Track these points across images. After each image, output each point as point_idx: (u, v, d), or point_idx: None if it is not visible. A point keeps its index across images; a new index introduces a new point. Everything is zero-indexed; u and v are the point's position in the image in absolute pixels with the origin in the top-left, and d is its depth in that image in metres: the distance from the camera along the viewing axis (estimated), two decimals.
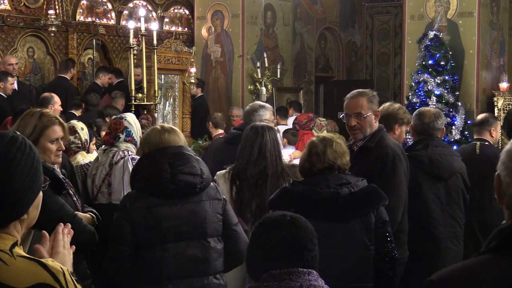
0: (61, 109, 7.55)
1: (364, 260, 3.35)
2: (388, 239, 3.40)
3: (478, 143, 5.46)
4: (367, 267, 3.36)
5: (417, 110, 4.81)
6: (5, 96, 8.41)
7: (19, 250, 1.72)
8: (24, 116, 3.51)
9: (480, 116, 5.77)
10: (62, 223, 2.05)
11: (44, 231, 1.97)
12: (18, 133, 1.82)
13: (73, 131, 4.88)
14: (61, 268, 1.73)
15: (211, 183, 3.45)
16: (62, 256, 1.95)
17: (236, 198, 4.04)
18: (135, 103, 8.60)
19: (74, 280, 1.74)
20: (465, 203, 4.62)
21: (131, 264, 3.27)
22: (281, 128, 9.33)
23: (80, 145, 4.93)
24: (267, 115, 5.08)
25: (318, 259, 2.32)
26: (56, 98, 7.44)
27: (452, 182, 4.56)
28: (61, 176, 3.51)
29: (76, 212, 3.48)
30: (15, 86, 8.74)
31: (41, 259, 1.73)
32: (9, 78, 8.51)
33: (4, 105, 8.13)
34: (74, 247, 2.06)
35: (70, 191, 3.57)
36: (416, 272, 3.98)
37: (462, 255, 4.56)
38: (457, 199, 4.58)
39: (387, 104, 4.74)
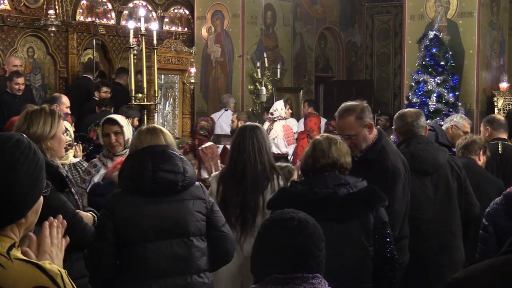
0: (68, 111, 7.56)
1: (363, 261, 3.34)
2: (388, 240, 3.39)
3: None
4: (365, 267, 3.35)
5: (397, 113, 4.82)
6: (13, 94, 8.49)
7: (16, 253, 1.71)
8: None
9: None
10: (51, 217, 1.98)
11: (31, 233, 1.93)
12: (25, 136, 1.81)
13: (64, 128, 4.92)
14: (59, 270, 1.72)
15: (196, 183, 3.48)
16: (48, 256, 1.89)
17: (221, 196, 4.13)
18: (135, 103, 8.59)
19: (72, 282, 1.73)
20: (460, 197, 4.60)
21: (112, 261, 3.33)
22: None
23: (70, 142, 4.97)
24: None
25: (324, 262, 2.28)
26: (64, 99, 7.45)
27: (438, 176, 4.54)
28: (64, 173, 3.53)
29: (78, 211, 3.50)
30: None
31: (38, 262, 1.72)
32: (14, 78, 8.60)
33: (14, 103, 8.19)
34: (68, 238, 2.00)
35: (72, 189, 3.58)
36: (411, 270, 3.97)
37: (462, 251, 4.53)
38: (447, 194, 4.54)
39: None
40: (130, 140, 4.54)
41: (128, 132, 4.61)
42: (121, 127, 4.57)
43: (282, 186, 3.93)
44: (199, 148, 7.25)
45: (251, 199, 4.03)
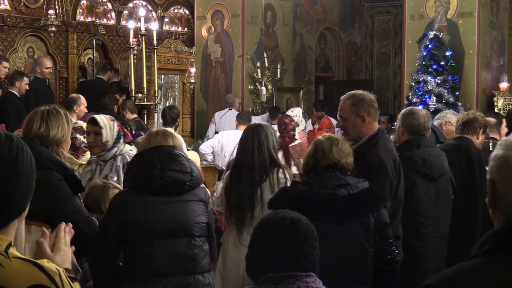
0: (86, 110, 7.63)
1: (362, 263, 3.32)
2: (388, 241, 3.37)
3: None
4: (365, 269, 3.33)
5: (408, 109, 4.74)
6: (19, 95, 8.49)
7: (14, 251, 1.71)
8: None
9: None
10: (64, 222, 2.04)
11: (44, 228, 1.96)
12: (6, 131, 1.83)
13: (82, 131, 4.90)
14: (57, 269, 1.72)
15: (201, 185, 3.56)
16: (63, 253, 1.94)
17: (225, 191, 4.26)
18: (135, 103, 8.61)
19: (70, 281, 1.74)
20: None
21: (112, 261, 3.37)
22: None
23: (87, 144, 4.97)
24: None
25: (318, 262, 2.30)
26: (84, 100, 7.52)
27: (441, 182, 4.57)
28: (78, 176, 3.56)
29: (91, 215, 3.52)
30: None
31: (36, 260, 1.72)
32: (25, 78, 8.64)
33: (19, 104, 8.21)
34: (73, 247, 2.06)
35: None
36: (402, 271, 3.99)
37: (446, 256, 4.58)
38: (445, 200, 4.60)
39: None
40: (109, 142, 4.51)
41: (109, 134, 4.55)
42: (100, 128, 4.54)
43: (283, 186, 3.96)
44: (289, 145, 7.70)
45: (247, 193, 4.11)
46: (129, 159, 4.92)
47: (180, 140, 3.71)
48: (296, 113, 9.12)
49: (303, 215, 2.38)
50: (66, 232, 2.03)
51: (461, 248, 4.56)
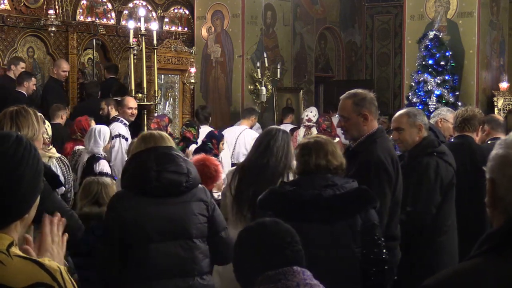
0: (132, 112, 7.81)
1: (350, 263, 3.31)
2: (376, 242, 3.34)
3: None
4: (352, 269, 3.32)
5: (414, 109, 4.74)
6: (27, 95, 8.57)
7: (15, 250, 1.73)
8: None
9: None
10: (47, 215, 1.99)
11: (27, 235, 1.92)
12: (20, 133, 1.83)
13: (43, 120, 4.91)
14: (58, 266, 1.73)
15: (200, 185, 3.52)
16: (50, 254, 1.91)
17: (236, 187, 4.17)
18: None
19: (71, 278, 1.74)
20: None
21: (117, 262, 3.36)
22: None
23: (48, 138, 5.02)
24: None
25: (303, 257, 2.35)
26: (127, 102, 7.81)
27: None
28: (58, 172, 3.56)
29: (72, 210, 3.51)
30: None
31: (38, 259, 1.73)
32: (33, 79, 8.79)
33: (28, 104, 8.28)
34: (66, 235, 2.01)
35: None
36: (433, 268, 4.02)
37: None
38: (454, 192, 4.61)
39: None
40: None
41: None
42: None
43: (271, 187, 3.95)
44: None
45: (263, 190, 4.09)
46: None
47: (172, 142, 3.70)
48: (315, 113, 9.26)
49: (289, 216, 2.42)
50: (54, 224, 1.97)
51: (463, 248, 4.58)
